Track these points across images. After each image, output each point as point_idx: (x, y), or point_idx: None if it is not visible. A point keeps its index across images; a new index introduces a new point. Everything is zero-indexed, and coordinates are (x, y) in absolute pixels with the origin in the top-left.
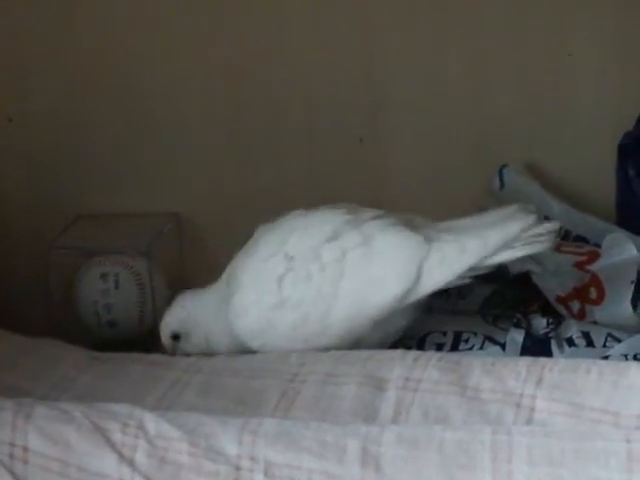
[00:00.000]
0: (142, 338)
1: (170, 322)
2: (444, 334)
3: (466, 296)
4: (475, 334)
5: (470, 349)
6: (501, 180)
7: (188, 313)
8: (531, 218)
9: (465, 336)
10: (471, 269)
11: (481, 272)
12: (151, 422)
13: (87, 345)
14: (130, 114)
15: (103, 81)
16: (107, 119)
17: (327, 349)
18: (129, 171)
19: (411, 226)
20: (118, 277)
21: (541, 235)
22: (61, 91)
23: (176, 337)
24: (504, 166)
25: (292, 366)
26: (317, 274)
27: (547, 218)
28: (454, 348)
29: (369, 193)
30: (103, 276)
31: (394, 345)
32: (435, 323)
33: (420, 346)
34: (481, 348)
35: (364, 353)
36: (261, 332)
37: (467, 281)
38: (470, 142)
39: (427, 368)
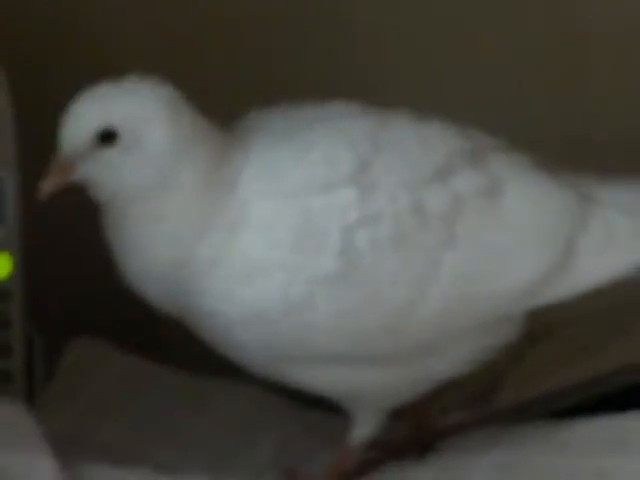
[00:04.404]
0: None
1: (114, 110)
2: None
3: None
4: None
5: None
6: None
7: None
8: None
9: None
10: None
11: None
12: None
13: None
14: None
15: None
16: None
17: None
18: None
19: (547, 171)
20: None
21: None
22: None
23: (109, 137)
24: None
25: None
26: (413, 232)
27: None
28: None
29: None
30: None
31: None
32: None
33: None
34: None
35: None
36: (284, 315)
37: None
38: None
39: None
